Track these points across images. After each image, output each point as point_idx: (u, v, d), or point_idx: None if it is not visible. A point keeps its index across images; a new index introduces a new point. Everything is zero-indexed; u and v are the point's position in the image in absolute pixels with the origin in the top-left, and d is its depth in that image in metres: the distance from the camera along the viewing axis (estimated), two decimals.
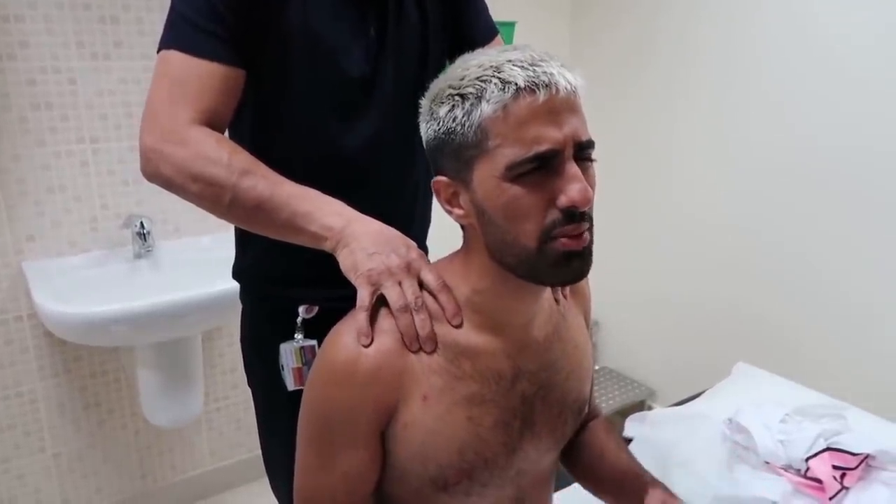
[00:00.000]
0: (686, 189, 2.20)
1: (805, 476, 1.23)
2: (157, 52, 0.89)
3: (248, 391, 1.16)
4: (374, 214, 0.96)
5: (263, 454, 1.18)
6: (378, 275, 0.76)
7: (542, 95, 0.67)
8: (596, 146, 0.72)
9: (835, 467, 1.22)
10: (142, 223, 1.72)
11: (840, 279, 1.84)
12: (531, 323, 0.80)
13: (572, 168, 0.69)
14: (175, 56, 0.87)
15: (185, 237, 1.87)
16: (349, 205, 0.92)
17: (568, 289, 0.89)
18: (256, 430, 1.17)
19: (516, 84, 0.67)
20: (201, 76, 0.86)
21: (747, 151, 2.00)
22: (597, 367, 2.60)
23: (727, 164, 2.06)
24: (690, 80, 2.12)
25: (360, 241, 0.79)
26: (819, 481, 1.20)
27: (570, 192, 0.68)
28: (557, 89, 0.68)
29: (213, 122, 0.88)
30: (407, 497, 0.80)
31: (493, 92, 0.68)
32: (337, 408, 0.74)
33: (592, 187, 0.71)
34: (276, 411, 1.07)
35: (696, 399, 1.65)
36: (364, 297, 0.76)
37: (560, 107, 0.68)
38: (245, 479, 2.11)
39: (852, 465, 1.22)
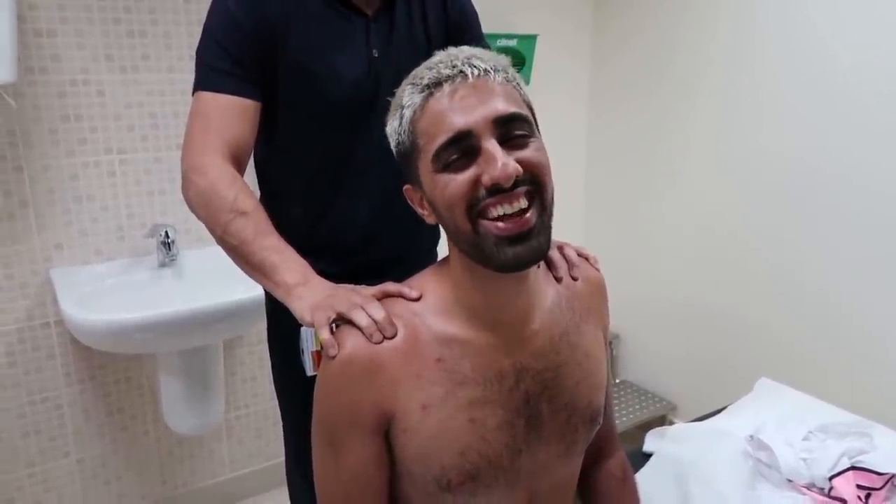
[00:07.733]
0: (708, 201, 2.18)
1: (829, 495, 1.21)
2: (192, 94, 1.04)
3: (268, 400, 1.18)
4: (384, 220, 1.14)
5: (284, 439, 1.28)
6: (326, 298, 0.84)
7: (447, 87, 0.73)
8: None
9: (859, 487, 1.20)
10: (166, 232, 1.75)
11: (866, 295, 1.82)
12: (526, 319, 0.81)
13: (490, 146, 0.71)
14: (203, 95, 1.03)
15: (209, 246, 1.88)
16: (361, 208, 1.12)
17: (580, 278, 0.90)
18: (275, 440, 1.19)
19: (423, 84, 0.74)
20: (224, 108, 1.02)
21: (771, 162, 1.98)
22: (617, 381, 2.58)
23: (750, 175, 2.04)
24: (713, 90, 2.11)
25: (311, 292, 0.88)
26: (843, 501, 1.18)
27: (490, 170, 0.70)
28: (464, 77, 0.73)
29: (237, 148, 1.03)
30: (416, 497, 0.82)
31: (409, 96, 0.76)
32: (338, 410, 0.78)
33: (533, 160, 0.73)
34: (292, 392, 1.20)
35: (718, 415, 1.62)
36: (321, 321, 0.80)
37: (470, 92, 0.73)
38: (264, 487, 2.12)
39: (878, 485, 1.20)
